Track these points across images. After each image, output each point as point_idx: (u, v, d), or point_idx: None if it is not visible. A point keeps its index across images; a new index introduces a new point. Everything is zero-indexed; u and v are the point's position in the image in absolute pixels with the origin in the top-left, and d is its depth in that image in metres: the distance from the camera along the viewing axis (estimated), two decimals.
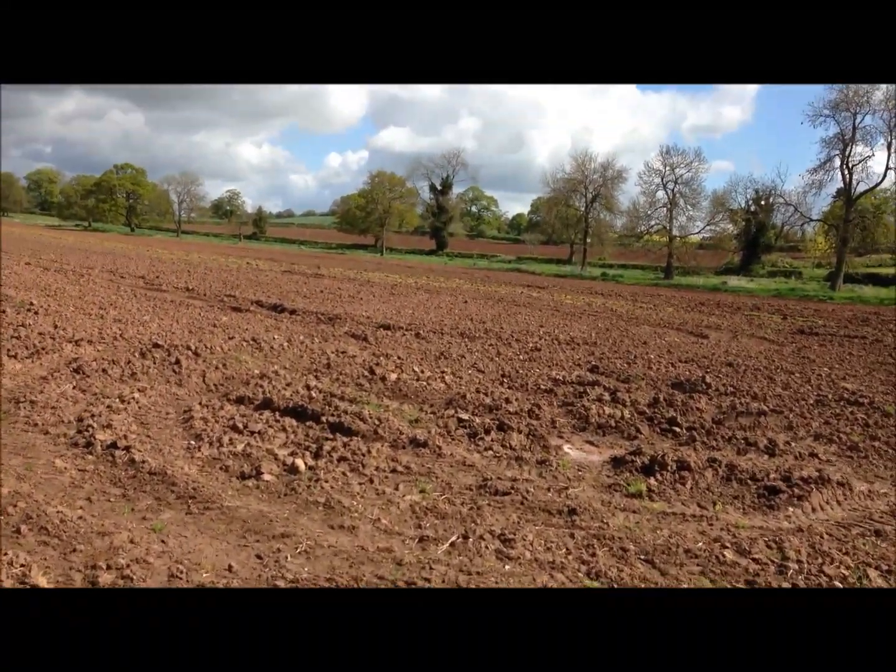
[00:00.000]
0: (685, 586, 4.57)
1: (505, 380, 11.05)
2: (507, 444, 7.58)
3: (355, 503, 5.68)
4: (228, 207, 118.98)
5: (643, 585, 4.57)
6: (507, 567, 4.70)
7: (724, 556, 5.06)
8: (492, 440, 7.68)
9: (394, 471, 6.56)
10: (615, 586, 4.53)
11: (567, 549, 5.05)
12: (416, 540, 5.08)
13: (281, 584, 4.28)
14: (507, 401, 9.34)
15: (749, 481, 6.68)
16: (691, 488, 6.52)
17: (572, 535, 5.28)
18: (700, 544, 5.22)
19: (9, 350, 10.45)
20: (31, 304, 15.58)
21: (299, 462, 6.37)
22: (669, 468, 6.82)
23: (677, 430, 8.50)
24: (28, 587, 3.45)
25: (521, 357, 13.42)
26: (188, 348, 11.40)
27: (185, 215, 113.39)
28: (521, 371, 11.79)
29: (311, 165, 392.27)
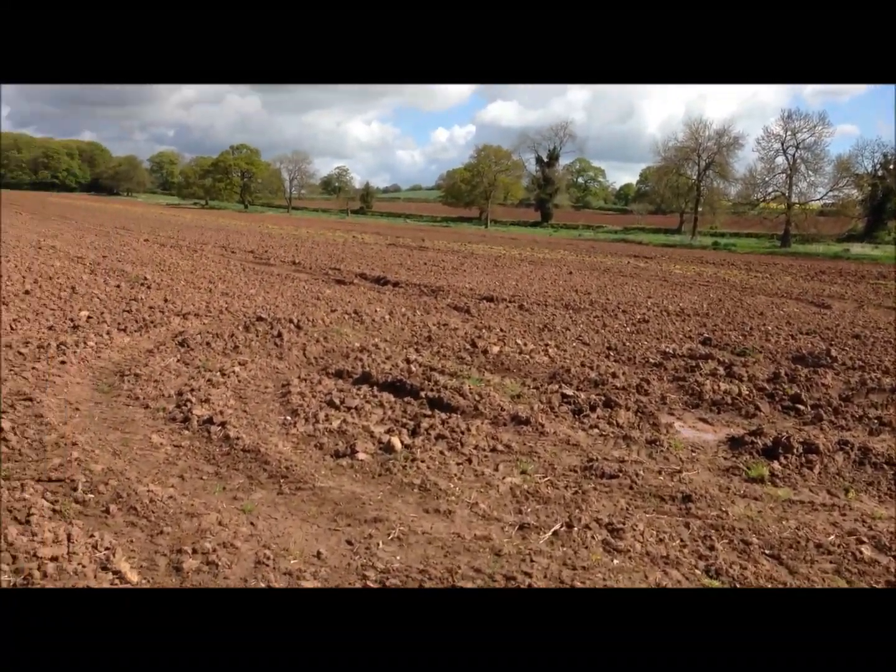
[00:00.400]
0: (815, 585, 4.08)
1: (611, 353, 10.54)
2: (614, 422, 7.14)
3: (452, 485, 5.38)
4: (337, 184, 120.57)
5: (769, 585, 4.10)
6: (615, 561, 4.31)
7: (860, 552, 4.51)
8: (597, 417, 7.25)
9: (494, 450, 6.23)
10: (737, 586, 4.08)
11: (682, 540, 4.61)
12: (516, 527, 4.74)
13: (371, 574, 4.03)
14: (614, 375, 8.86)
15: (885, 466, 6.04)
16: (820, 473, 5.93)
17: (687, 525, 4.83)
18: (832, 538, 4.69)
19: (119, 324, 10.65)
20: (145, 278, 15.97)
21: (395, 440, 6.11)
22: (795, 450, 6.23)
23: (801, 407, 7.83)
24: (28, 587, 3.31)
25: (627, 329, 12.85)
26: (290, 321, 11.36)
27: (296, 192, 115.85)
28: (628, 344, 11.24)
29: (419, 141, 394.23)
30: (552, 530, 4.67)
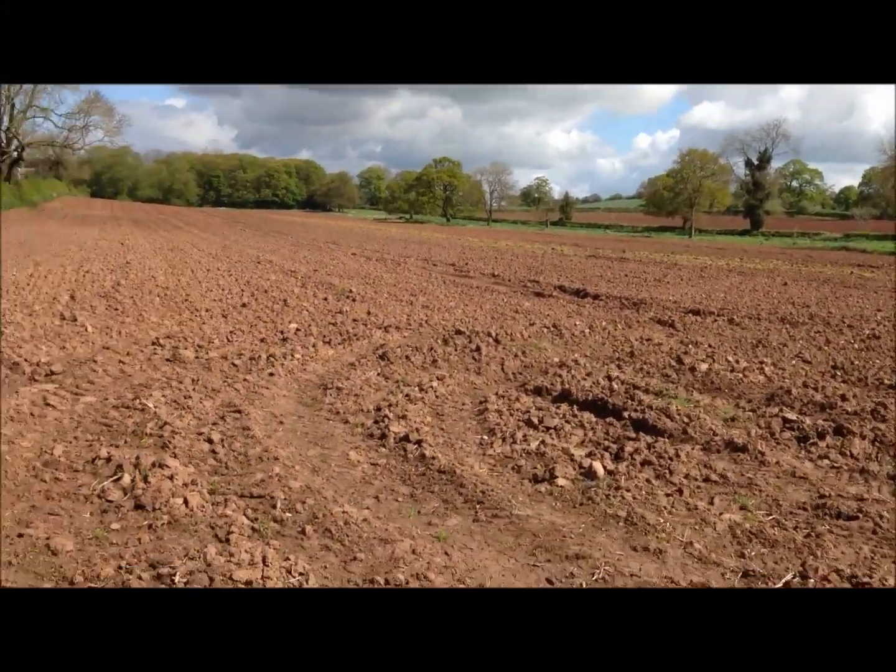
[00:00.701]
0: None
1: (838, 372, 9.50)
2: (848, 452, 6.32)
3: (662, 520, 4.90)
4: (536, 195, 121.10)
5: None
6: None
7: None
8: (827, 446, 6.46)
9: (707, 479, 5.67)
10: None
11: None
12: (739, 574, 4.19)
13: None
14: (843, 398, 7.92)
15: None
16: None
17: None
18: None
19: (324, 336, 10.94)
20: (350, 291, 16.47)
21: (597, 465, 5.70)
22: None
23: None
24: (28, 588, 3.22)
25: (855, 346, 11.60)
26: (489, 335, 11.21)
27: (496, 204, 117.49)
28: (856, 362, 10.11)
29: (619, 148, 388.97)
30: (783, 580, 4.08)
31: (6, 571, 3.78)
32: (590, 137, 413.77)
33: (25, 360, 8.36)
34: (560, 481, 5.47)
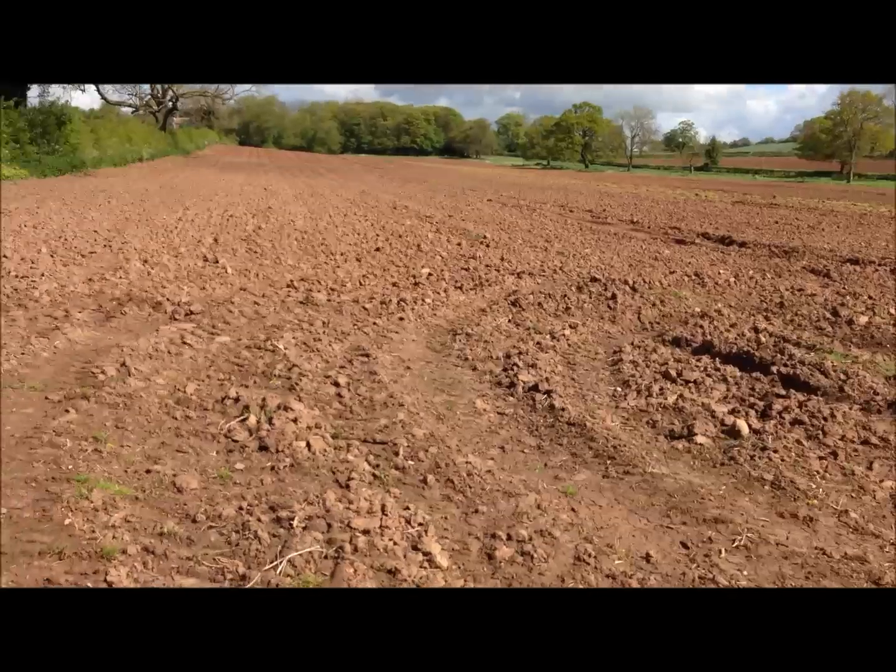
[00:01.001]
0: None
1: None
2: None
3: (813, 485, 4.46)
4: (680, 139, 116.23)
5: None
6: None
7: None
8: None
9: (865, 442, 5.15)
10: None
11: None
12: None
13: (710, 586, 3.37)
14: None
15: None
16: None
17: None
18: None
19: (456, 282, 10.78)
20: (485, 237, 16.22)
21: (741, 423, 5.28)
22: None
23: None
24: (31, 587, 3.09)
25: None
26: (625, 283, 10.72)
27: (637, 149, 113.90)
28: None
29: (773, 89, 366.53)
30: None
31: (132, 506, 3.83)
32: None
33: (168, 299, 8.62)
34: (699, 439, 5.09)
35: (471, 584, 3.32)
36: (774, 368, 6.69)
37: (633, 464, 4.70)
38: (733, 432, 5.20)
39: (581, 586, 3.33)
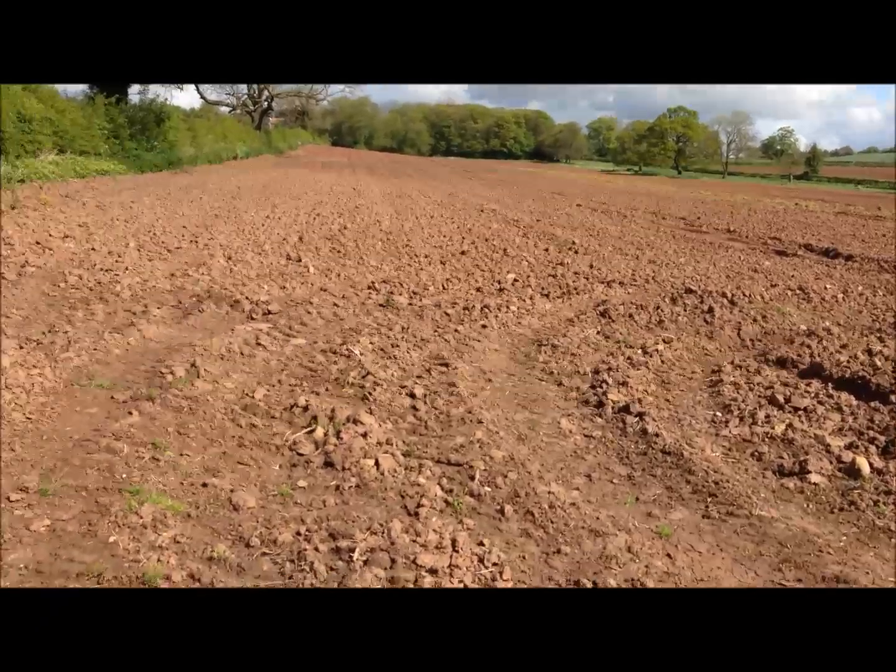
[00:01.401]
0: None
1: None
2: None
3: None
4: (779, 146, 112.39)
5: None
6: None
7: None
8: None
9: None
10: None
11: None
12: None
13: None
14: None
15: None
16: None
17: None
18: None
19: (542, 289, 10.34)
20: (573, 243, 15.70)
21: (861, 461, 4.69)
22: None
23: None
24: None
25: None
26: (723, 295, 10.08)
27: (733, 156, 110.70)
28: None
29: (880, 95, 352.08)
30: None
31: (183, 524, 3.55)
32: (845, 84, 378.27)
33: (247, 298, 8.46)
34: (813, 477, 4.53)
35: None
36: (894, 397, 6.04)
37: (738, 503, 4.18)
38: (852, 471, 4.62)
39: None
